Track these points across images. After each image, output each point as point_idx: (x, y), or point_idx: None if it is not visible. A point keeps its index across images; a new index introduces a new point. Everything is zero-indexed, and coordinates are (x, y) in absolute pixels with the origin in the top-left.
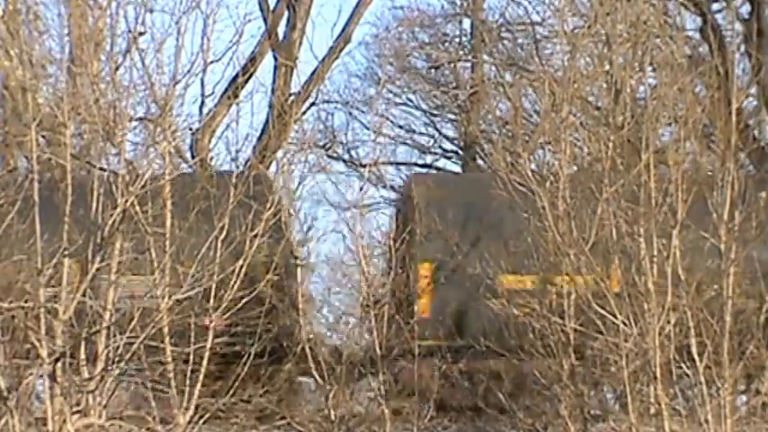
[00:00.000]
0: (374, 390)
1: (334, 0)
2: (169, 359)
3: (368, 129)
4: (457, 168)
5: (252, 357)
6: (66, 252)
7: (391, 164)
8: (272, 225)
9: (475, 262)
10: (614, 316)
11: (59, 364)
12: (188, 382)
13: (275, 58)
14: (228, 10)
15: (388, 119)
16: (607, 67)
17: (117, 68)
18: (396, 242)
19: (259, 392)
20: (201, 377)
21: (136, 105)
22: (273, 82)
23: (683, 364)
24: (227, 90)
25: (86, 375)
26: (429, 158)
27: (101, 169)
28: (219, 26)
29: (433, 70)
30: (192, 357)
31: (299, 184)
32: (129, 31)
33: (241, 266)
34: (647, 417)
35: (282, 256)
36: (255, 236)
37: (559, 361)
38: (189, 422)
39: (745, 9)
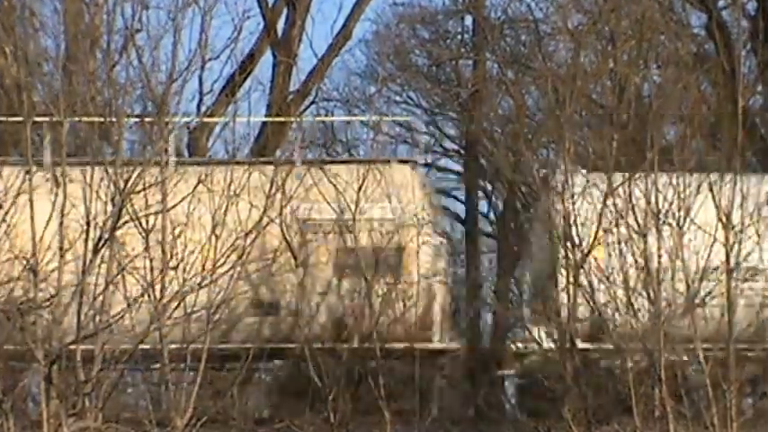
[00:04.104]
0: (375, 391)
1: None
2: (166, 361)
3: (368, 127)
4: (458, 168)
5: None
6: (63, 251)
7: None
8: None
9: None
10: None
11: (55, 366)
12: (185, 384)
13: (274, 56)
14: (227, 6)
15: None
16: (611, 65)
17: (113, 66)
18: None
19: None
20: (199, 379)
21: (132, 103)
22: (272, 80)
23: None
24: (225, 88)
25: (82, 377)
26: (430, 157)
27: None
28: (217, 23)
29: (434, 68)
30: (189, 359)
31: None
32: (126, 28)
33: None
34: (651, 420)
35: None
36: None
37: (563, 363)
38: (186, 425)
39: (752, 6)
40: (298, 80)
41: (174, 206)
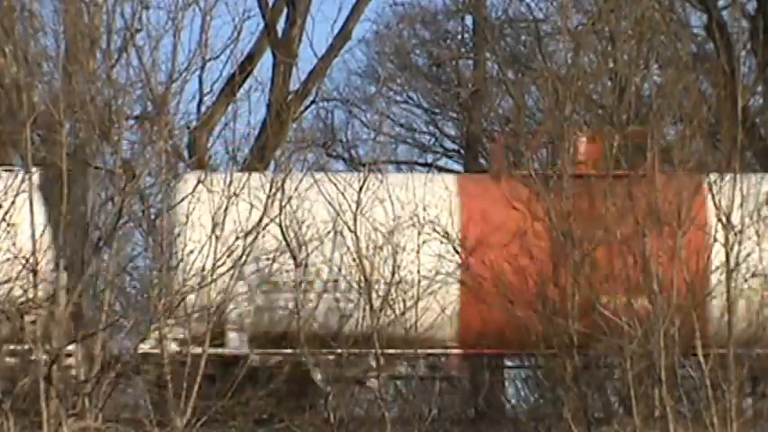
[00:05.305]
0: (374, 392)
1: None
2: (166, 361)
3: (368, 127)
4: (458, 168)
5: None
6: (62, 253)
7: (392, 163)
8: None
9: None
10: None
11: (55, 366)
12: (185, 384)
13: (274, 56)
14: (227, 6)
15: (388, 117)
16: (611, 65)
17: (113, 66)
18: None
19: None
20: (199, 379)
21: (132, 103)
22: (272, 80)
23: (688, 367)
24: (225, 88)
25: (82, 377)
26: (430, 157)
27: (96, 168)
28: (217, 23)
29: (434, 68)
30: (189, 359)
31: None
32: (126, 28)
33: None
34: (651, 420)
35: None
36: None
37: (563, 363)
38: (186, 425)
39: (752, 6)
40: (298, 80)
41: (173, 206)
